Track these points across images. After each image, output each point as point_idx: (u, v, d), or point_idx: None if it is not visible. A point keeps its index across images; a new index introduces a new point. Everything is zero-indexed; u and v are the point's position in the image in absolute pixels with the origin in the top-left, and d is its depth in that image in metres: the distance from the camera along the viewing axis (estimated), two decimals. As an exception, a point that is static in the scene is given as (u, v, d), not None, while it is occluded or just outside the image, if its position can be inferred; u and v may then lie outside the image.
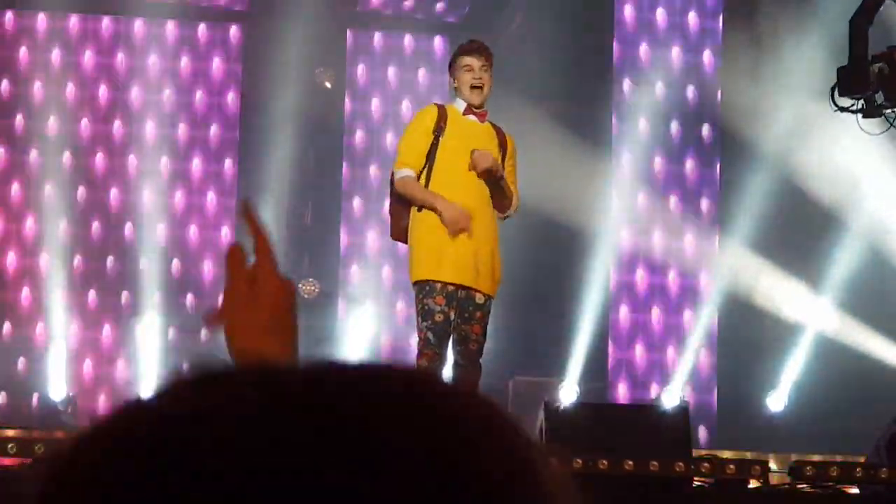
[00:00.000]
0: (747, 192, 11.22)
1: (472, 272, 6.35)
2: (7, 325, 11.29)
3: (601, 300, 11.33)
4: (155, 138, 11.54)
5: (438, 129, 6.43)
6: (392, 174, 6.59)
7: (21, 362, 11.24)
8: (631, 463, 6.62)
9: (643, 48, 11.71)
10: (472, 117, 6.53)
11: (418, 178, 6.43)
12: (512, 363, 10.94)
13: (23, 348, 11.27)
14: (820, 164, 10.93)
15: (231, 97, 11.76)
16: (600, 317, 11.33)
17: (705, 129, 11.77)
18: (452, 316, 6.35)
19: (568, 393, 10.98)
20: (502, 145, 6.58)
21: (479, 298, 6.45)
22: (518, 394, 10.83)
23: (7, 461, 6.39)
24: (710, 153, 11.77)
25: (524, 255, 10.94)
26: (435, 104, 6.72)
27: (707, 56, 11.77)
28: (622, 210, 11.51)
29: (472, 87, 6.44)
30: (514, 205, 6.63)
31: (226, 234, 11.55)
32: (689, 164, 11.72)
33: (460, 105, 6.55)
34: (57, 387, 11.08)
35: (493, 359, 11.18)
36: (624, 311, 11.57)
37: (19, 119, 11.44)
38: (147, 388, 11.04)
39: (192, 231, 11.53)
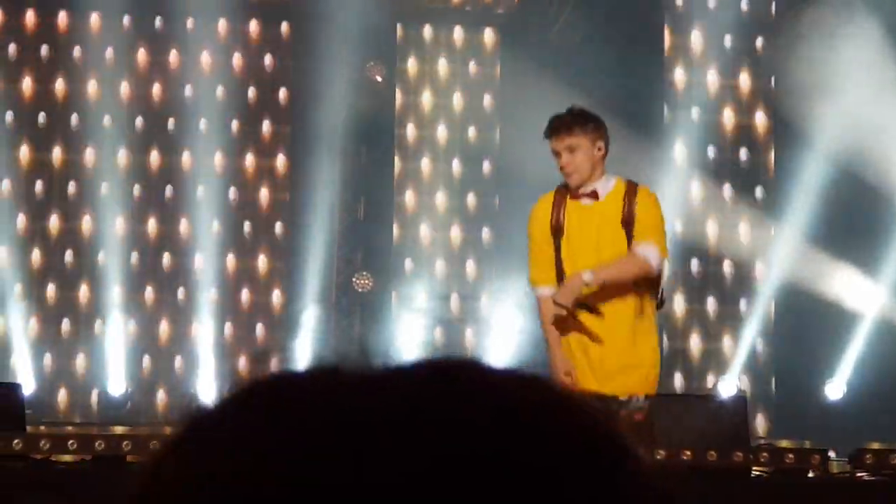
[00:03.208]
0: (802, 179, 11.14)
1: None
2: (66, 322, 11.39)
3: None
4: (208, 133, 11.61)
5: (556, 232, 5.77)
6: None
7: (80, 358, 11.35)
8: (689, 453, 6.59)
9: (695, 34, 11.65)
10: (585, 201, 5.76)
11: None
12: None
13: (82, 344, 11.38)
14: (875, 149, 10.83)
15: (282, 92, 11.81)
16: (655, 307, 11.28)
17: (759, 117, 11.70)
18: None
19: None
20: (628, 205, 5.70)
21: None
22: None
23: (67, 458, 6.45)
24: (765, 140, 11.70)
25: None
26: (545, 197, 5.93)
27: (760, 41, 11.69)
28: (676, 199, 11.45)
29: (564, 173, 5.73)
30: (646, 265, 5.63)
31: (279, 228, 11.60)
32: (743, 152, 11.65)
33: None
34: (116, 382, 11.18)
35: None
36: (679, 301, 11.52)
37: (74, 117, 11.54)
38: (203, 382, 11.13)
39: (247, 227, 11.58)
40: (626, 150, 11.16)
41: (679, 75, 11.63)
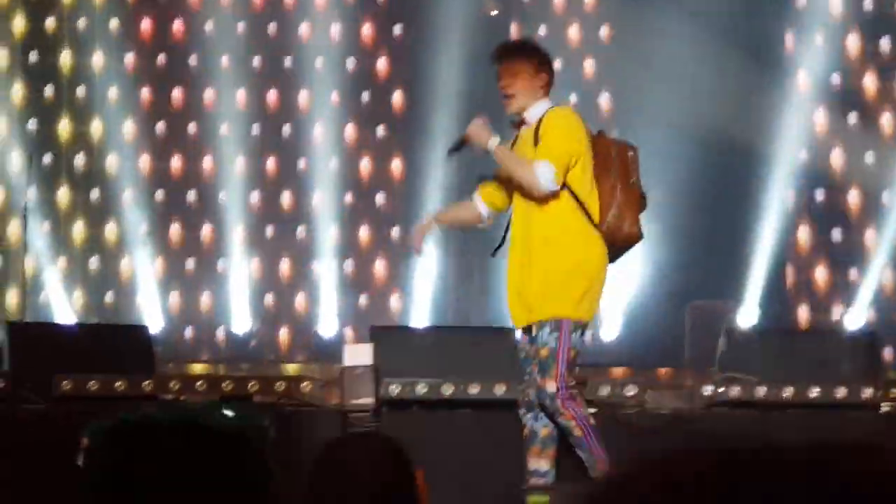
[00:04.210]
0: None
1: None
2: (191, 261, 11.55)
3: (779, 221, 11.11)
4: (323, 71, 11.64)
5: None
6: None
7: (205, 297, 11.51)
8: (817, 390, 6.50)
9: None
10: (523, 129, 5.74)
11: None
12: (689, 287, 10.83)
13: (207, 283, 11.53)
14: None
15: (398, 29, 11.78)
16: (779, 238, 11.12)
17: (884, 42, 11.40)
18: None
19: (747, 317, 10.82)
20: (539, 127, 5.63)
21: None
22: (695, 317, 10.72)
23: (197, 397, 6.56)
24: (891, 66, 11.41)
25: (700, 177, 10.78)
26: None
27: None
28: (800, 128, 11.24)
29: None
30: (534, 178, 5.50)
31: (396, 165, 11.61)
32: (868, 79, 11.38)
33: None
34: (240, 320, 11.32)
35: (670, 283, 11.12)
36: (803, 232, 11.33)
37: (194, 58, 11.64)
38: (324, 319, 11.22)
39: (364, 164, 11.61)
40: (749, 79, 10.98)
41: (802, 1, 11.37)
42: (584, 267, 5.50)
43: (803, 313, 11.26)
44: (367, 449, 2.40)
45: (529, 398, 5.56)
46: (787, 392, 6.50)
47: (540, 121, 5.60)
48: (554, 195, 5.49)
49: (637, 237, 5.74)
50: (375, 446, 2.41)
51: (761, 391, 6.51)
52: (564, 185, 5.51)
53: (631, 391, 6.61)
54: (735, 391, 6.53)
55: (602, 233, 5.58)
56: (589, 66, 11.67)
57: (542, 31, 11.69)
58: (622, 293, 11.07)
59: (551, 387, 5.42)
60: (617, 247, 5.68)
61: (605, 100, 11.64)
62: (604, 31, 11.70)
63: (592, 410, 6.51)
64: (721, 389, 6.54)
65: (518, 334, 5.74)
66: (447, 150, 5.73)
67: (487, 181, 5.87)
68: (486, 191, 5.84)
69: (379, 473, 2.35)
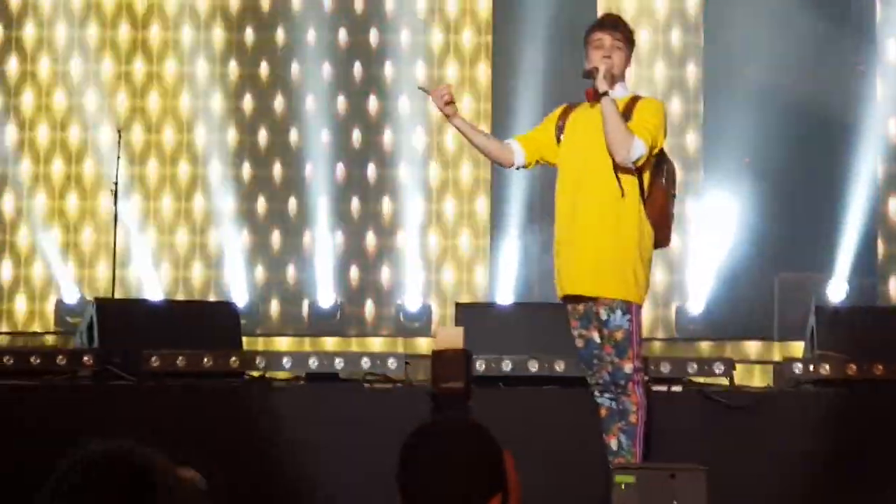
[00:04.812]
0: None
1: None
2: (276, 234, 11.63)
3: (869, 192, 10.95)
4: (409, 46, 11.65)
5: (559, 130, 5.74)
6: None
7: (290, 270, 11.59)
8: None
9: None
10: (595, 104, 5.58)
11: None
12: (777, 259, 10.73)
13: (292, 256, 11.60)
14: None
15: (483, 2, 11.76)
16: (869, 210, 10.96)
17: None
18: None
19: (837, 290, 10.68)
20: (629, 109, 5.53)
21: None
22: (784, 290, 10.61)
23: (282, 374, 6.60)
24: None
25: (789, 148, 10.65)
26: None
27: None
28: (889, 98, 11.06)
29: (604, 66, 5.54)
30: (630, 148, 5.41)
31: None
32: (962, 47, 11.17)
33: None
34: (325, 294, 11.38)
35: (759, 255, 11.01)
36: (894, 204, 11.16)
37: (280, 31, 11.71)
38: (409, 293, 11.24)
39: (449, 138, 11.60)
40: (837, 49, 10.81)
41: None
42: (645, 249, 5.51)
43: (894, 287, 11.09)
44: (456, 436, 2.39)
45: (603, 381, 5.57)
46: (878, 369, 6.41)
47: (630, 104, 5.54)
48: (630, 171, 5.46)
49: (667, 244, 5.74)
50: (465, 433, 2.40)
51: (852, 369, 6.43)
52: (637, 170, 5.48)
53: (719, 368, 6.55)
54: (825, 369, 6.45)
55: None
56: (676, 37, 11.56)
57: (628, 2, 11.60)
58: (711, 265, 10.99)
59: (629, 367, 5.46)
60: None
61: (690, 70, 11.53)
62: (691, 3, 11.58)
63: (678, 389, 6.48)
64: (811, 367, 6.47)
65: (575, 325, 5.65)
66: (582, 73, 5.61)
67: (530, 133, 5.83)
68: (526, 140, 5.80)
69: (469, 461, 2.34)
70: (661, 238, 5.64)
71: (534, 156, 5.75)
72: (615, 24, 5.65)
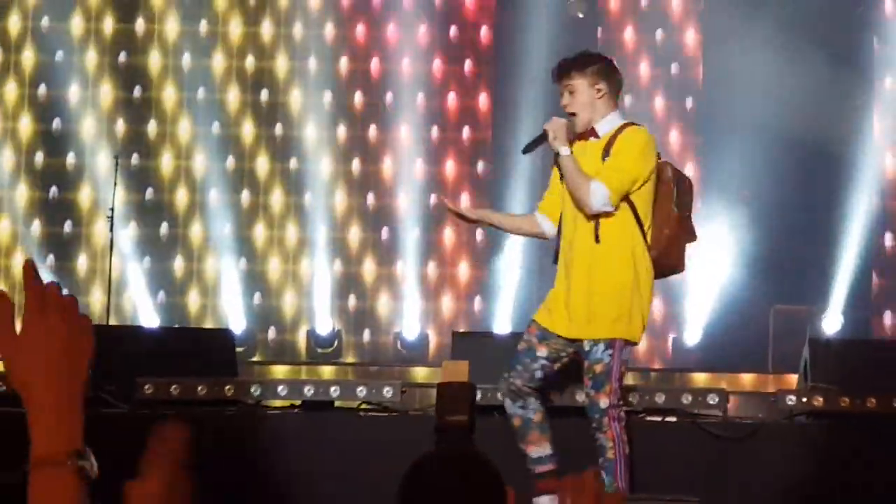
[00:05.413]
0: None
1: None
2: (274, 261, 11.64)
3: (865, 227, 10.98)
4: (412, 76, 11.70)
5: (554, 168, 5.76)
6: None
7: (288, 297, 11.59)
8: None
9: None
10: (591, 139, 5.57)
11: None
12: (772, 292, 10.74)
13: (289, 284, 11.61)
14: None
15: (484, 30, 11.81)
16: (864, 244, 10.98)
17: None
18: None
19: (831, 322, 10.70)
20: (612, 142, 5.51)
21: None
22: (779, 322, 10.62)
23: (278, 402, 6.60)
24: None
25: (786, 181, 10.69)
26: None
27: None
28: (886, 134, 11.10)
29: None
30: (587, 196, 5.38)
31: (481, 167, 11.63)
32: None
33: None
34: (323, 321, 11.38)
35: (754, 287, 11.02)
36: (889, 238, 11.19)
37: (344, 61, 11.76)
38: (407, 320, 11.25)
39: (449, 166, 11.62)
40: (834, 84, 10.85)
41: (890, 6, 11.22)
42: (639, 286, 5.47)
43: (888, 320, 11.11)
44: (459, 469, 2.39)
45: (516, 387, 5.58)
46: (871, 403, 6.42)
47: (614, 136, 5.52)
48: (610, 213, 5.43)
49: (681, 269, 5.72)
50: (468, 466, 2.40)
51: (845, 401, 6.43)
52: (629, 203, 5.46)
53: (713, 399, 6.56)
54: (818, 401, 6.46)
55: (651, 257, 5.56)
56: (675, 69, 11.61)
57: (628, 34, 11.65)
58: (707, 296, 11.01)
59: (604, 402, 5.41)
60: (658, 273, 5.65)
61: (689, 104, 11.57)
62: (690, 37, 11.62)
63: (672, 419, 6.48)
64: (804, 399, 6.48)
65: (533, 331, 5.67)
66: (523, 147, 5.67)
67: (545, 196, 5.83)
68: (545, 205, 5.79)
69: (471, 491, 2.35)
70: (674, 263, 5.61)
71: (557, 218, 5.74)
72: (561, 71, 5.58)
